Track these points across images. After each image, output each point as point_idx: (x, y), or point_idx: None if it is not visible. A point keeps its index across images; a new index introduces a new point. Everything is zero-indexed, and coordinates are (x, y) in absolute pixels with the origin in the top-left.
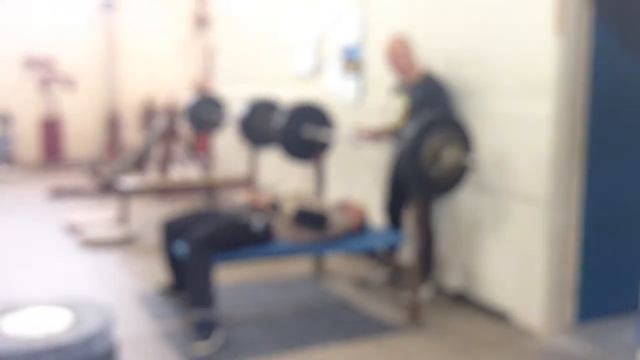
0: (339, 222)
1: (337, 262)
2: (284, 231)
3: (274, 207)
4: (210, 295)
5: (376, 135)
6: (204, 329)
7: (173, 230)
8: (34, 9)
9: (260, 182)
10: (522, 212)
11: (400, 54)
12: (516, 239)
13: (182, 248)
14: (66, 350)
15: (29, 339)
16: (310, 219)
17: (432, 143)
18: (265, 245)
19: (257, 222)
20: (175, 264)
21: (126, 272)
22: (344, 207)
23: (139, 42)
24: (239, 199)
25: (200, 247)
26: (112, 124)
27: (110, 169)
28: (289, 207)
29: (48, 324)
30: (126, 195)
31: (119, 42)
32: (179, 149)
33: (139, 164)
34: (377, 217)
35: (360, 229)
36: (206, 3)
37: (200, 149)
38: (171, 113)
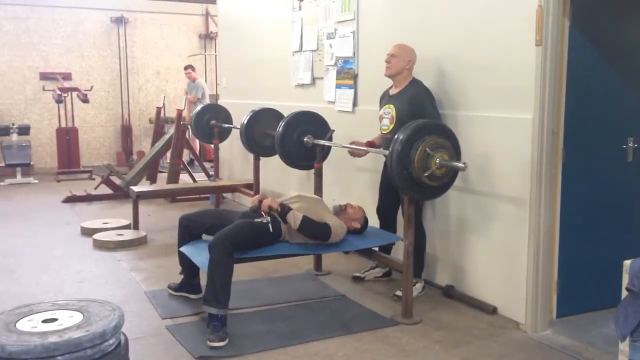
0: (339, 226)
1: (335, 259)
2: (289, 236)
3: (283, 211)
4: (228, 294)
5: (370, 145)
6: (220, 327)
7: (190, 228)
8: (49, 26)
9: (263, 187)
10: (508, 213)
11: (400, 55)
12: (502, 238)
13: (197, 249)
14: (79, 346)
15: (43, 335)
16: (315, 230)
17: (421, 148)
18: (277, 245)
19: (270, 223)
20: (189, 262)
21: (137, 273)
22: (345, 207)
23: (149, 55)
24: (252, 200)
25: (223, 247)
26: (125, 134)
27: (123, 176)
28: (296, 217)
29: (61, 321)
30: (138, 200)
31: (130, 56)
32: (187, 157)
33: (150, 171)
34: (372, 219)
35: (362, 227)
36: (212, 19)
37: (207, 157)
38: (180, 123)
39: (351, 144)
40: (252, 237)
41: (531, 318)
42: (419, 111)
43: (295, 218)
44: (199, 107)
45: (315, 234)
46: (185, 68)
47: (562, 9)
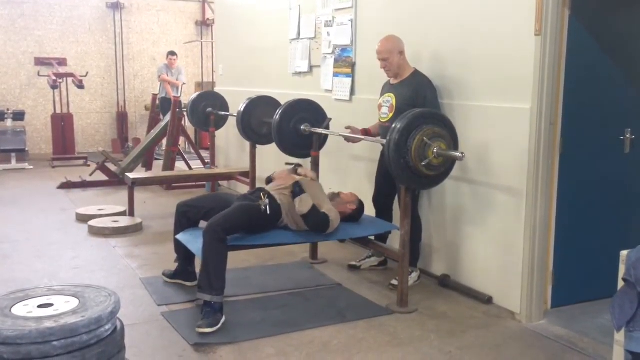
0: (335, 219)
1: (331, 247)
2: (288, 220)
3: (294, 191)
4: (222, 281)
5: (366, 133)
6: (212, 313)
7: (188, 214)
8: (45, 10)
9: (259, 175)
10: (504, 203)
11: (390, 53)
12: (498, 228)
13: (193, 236)
14: (74, 331)
15: (39, 320)
16: (317, 222)
17: (419, 137)
18: (273, 233)
19: (269, 206)
20: (184, 249)
21: (133, 260)
22: (339, 194)
23: (145, 42)
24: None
25: (215, 233)
26: (120, 121)
27: (119, 163)
28: (305, 203)
29: (57, 306)
30: (133, 187)
31: (126, 42)
32: (183, 144)
33: (145, 158)
34: (368, 208)
35: (357, 209)
36: (209, 6)
37: (203, 144)
38: (176, 110)
39: (347, 128)
40: (247, 220)
41: (526, 308)
42: (420, 102)
43: (304, 204)
44: (195, 95)
45: (316, 225)
46: (173, 54)
47: None
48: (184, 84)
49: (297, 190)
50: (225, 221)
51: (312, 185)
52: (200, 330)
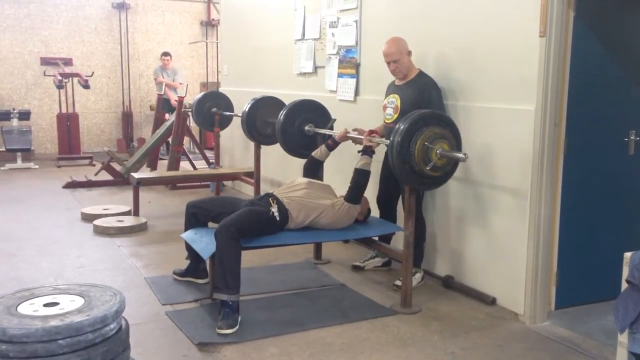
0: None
1: (335, 247)
2: (301, 213)
3: (365, 150)
4: (238, 280)
5: (371, 134)
6: (230, 314)
7: (198, 215)
8: (51, 10)
9: (264, 175)
10: (508, 204)
11: (401, 54)
12: (502, 229)
13: (198, 235)
14: (80, 330)
15: (44, 319)
16: (362, 185)
17: (420, 142)
18: (281, 234)
19: (278, 212)
20: (193, 249)
21: (137, 259)
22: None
23: (151, 42)
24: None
25: (229, 232)
26: (125, 121)
27: (124, 163)
28: (365, 165)
29: (63, 305)
30: (138, 186)
31: (132, 42)
32: (188, 144)
33: (150, 157)
34: (372, 209)
35: (365, 218)
36: (214, 7)
37: (208, 144)
38: (181, 110)
39: (354, 130)
40: (258, 224)
41: (530, 309)
42: (425, 103)
43: (364, 164)
44: (200, 95)
45: (360, 186)
46: (166, 55)
47: (567, 0)
48: (182, 83)
49: (369, 154)
50: (239, 221)
51: (316, 188)
52: (222, 331)
